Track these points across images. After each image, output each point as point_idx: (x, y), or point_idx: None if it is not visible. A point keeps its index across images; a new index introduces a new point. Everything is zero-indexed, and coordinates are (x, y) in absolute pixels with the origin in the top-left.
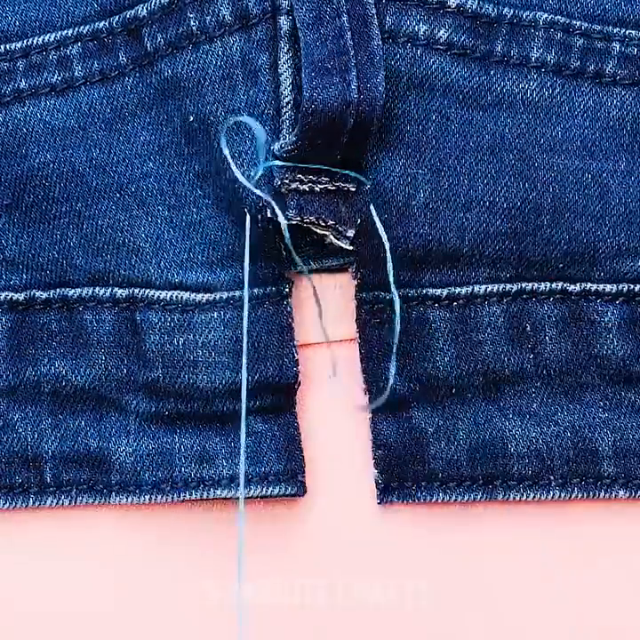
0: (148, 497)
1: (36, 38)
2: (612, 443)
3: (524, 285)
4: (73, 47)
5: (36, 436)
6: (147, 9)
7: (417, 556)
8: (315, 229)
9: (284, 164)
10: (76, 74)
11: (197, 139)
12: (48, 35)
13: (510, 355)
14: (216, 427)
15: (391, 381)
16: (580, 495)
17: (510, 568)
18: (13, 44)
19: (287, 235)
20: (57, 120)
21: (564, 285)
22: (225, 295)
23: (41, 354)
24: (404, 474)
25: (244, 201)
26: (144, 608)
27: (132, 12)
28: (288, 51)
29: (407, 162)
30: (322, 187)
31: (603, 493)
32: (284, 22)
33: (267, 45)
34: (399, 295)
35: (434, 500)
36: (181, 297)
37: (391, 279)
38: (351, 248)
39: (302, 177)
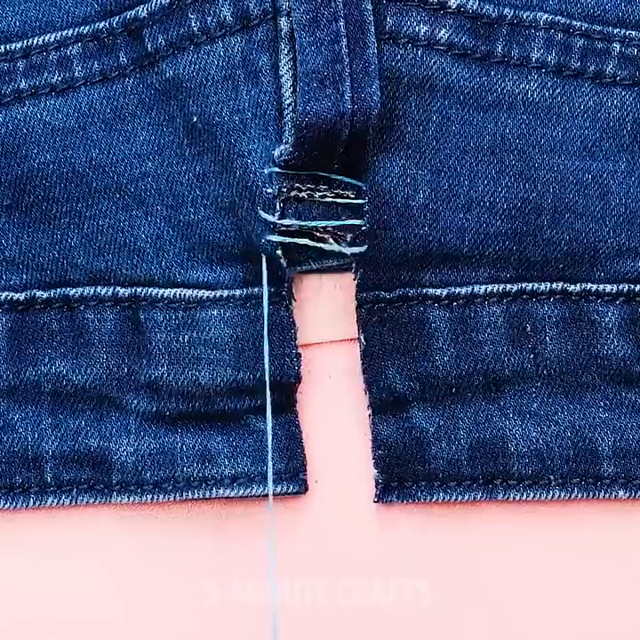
0: (149, 496)
1: (36, 38)
2: (612, 443)
3: (524, 285)
4: (73, 47)
5: (36, 435)
6: (147, 10)
7: (417, 555)
8: (314, 234)
9: (282, 171)
10: (76, 74)
11: (201, 139)
12: (48, 35)
13: (510, 355)
14: (218, 426)
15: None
16: (579, 495)
17: (510, 568)
18: (13, 44)
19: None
20: (57, 120)
21: (565, 285)
22: (225, 293)
23: (41, 354)
24: (403, 473)
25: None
26: (144, 608)
27: (133, 12)
28: (288, 52)
29: (407, 162)
30: (320, 194)
31: (602, 493)
32: (285, 24)
33: (268, 46)
34: (400, 294)
35: (434, 499)
36: (184, 294)
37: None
38: (350, 253)
39: (300, 186)
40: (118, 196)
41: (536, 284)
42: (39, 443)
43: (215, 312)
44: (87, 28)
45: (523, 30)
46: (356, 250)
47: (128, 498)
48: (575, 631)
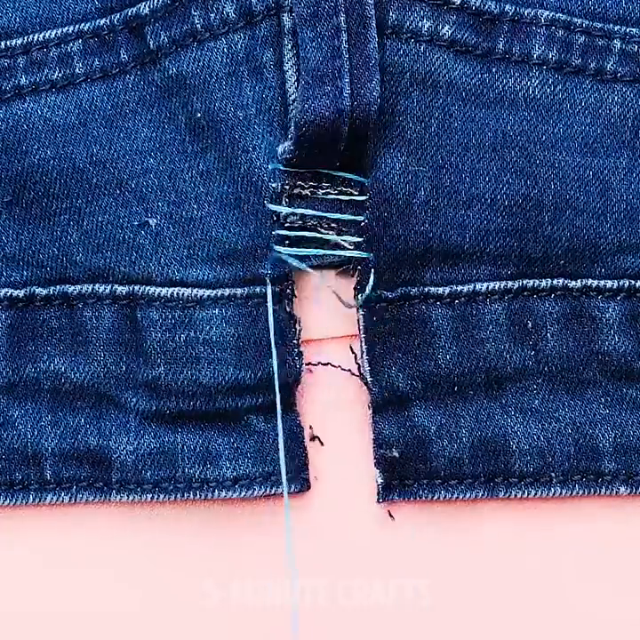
0: (149, 496)
1: (36, 35)
2: (612, 439)
3: (525, 282)
4: (74, 44)
5: (35, 432)
6: (149, 7)
7: (417, 555)
8: (319, 230)
9: (285, 168)
10: (76, 70)
11: (204, 135)
12: (49, 31)
13: (512, 352)
14: (219, 426)
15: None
16: (581, 492)
17: (511, 566)
18: (14, 40)
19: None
20: (57, 116)
21: (566, 282)
22: (226, 292)
23: (40, 351)
24: (405, 472)
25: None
26: (143, 607)
27: (134, 9)
28: (292, 47)
29: (408, 159)
30: (323, 191)
31: (604, 490)
32: (287, 19)
33: (271, 42)
34: (401, 293)
35: (435, 498)
36: (182, 294)
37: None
38: (353, 250)
39: (303, 183)
40: (118, 192)
41: (537, 281)
42: (39, 440)
43: (216, 311)
44: (88, 24)
45: (524, 27)
46: (362, 254)
47: (128, 497)
48: (577, 629)
